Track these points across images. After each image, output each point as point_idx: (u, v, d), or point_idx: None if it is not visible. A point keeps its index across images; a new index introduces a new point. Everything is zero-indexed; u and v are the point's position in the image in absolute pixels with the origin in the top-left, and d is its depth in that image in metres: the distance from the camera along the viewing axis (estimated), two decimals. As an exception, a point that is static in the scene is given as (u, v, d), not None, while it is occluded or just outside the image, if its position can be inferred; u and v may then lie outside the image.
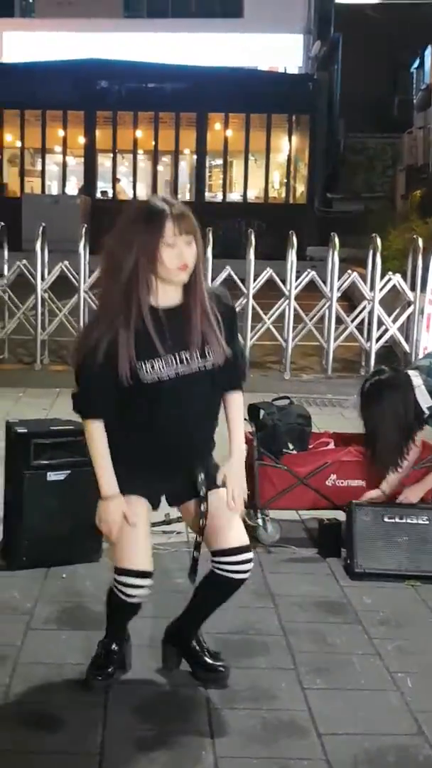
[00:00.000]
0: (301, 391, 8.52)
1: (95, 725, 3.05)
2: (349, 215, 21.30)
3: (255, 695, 3.27)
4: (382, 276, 9.55)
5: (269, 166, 25.54)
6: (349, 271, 9.74)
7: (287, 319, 9.56)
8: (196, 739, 2.94)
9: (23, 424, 4.60)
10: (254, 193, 25.82)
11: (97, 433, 3.10)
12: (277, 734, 3.04)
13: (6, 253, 9.90)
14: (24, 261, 9.75)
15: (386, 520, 4.49)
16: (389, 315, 9.60)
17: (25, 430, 4.49)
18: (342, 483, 4.86)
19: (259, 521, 4.90)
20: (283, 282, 9.56)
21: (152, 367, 3.04)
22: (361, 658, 3.60)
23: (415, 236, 10.07)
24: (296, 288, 9.54)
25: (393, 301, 9.79)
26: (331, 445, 5.24)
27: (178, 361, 3.06)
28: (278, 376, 9.46)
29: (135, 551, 3.11)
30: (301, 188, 26.18)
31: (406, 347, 9.40)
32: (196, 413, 3.14)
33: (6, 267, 9.82)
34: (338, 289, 9.66)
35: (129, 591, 3.13)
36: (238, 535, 3.19)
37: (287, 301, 9.52)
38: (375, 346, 9.55)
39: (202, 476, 3.19)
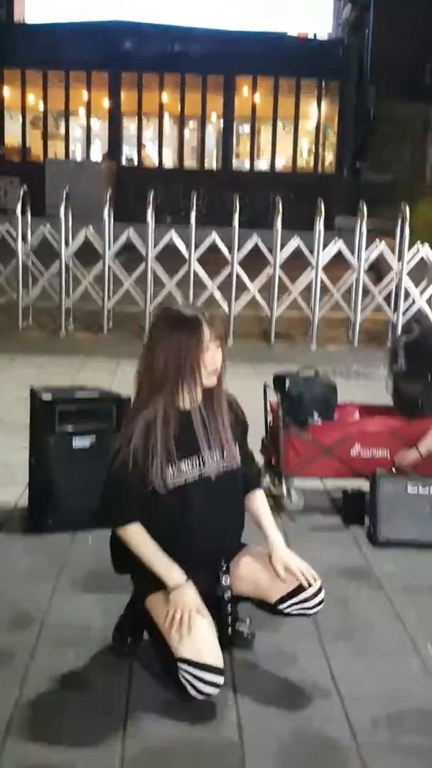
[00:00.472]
0: (327, 362, 8.56)
1: (120, 687, 3.15)
2: (378, 185, 21.21)
3: (278, 658, 3.37)
4: (411, 247, 9.56)
5: (298, 134, 25.43)
6: (377, 242, 9.75)
7: (314, 289, 9.60)
8: (220, 697, 3.04)
9: (48, 391, 4.70)
10: (282, 162, 25.72)
11: (139, 534, 3.15)
12: (299, 695, 3.14)
13: (29, 218, 9.98)
14: (48, 226, 9.83)
15: (409, 490, 4.57)
16: (417, 286, 9.62)
17: (51, 397, 4.59)
18: (366, 453, 4.94)
19: (284, 490, 5.00)
20: (311, 252, 9.58)
21: (179, 469, 3.14)
22: (383, 624, 3.70)
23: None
24: (323, 258, 9.57)
25: (421, 272, 9.80)
26: (356, 416, 5.32)
27: (200, 462, 3.17)
28: (304, 347, 9.52)
29: (211, 646, 3.03)
30: (329, 157, 26.07)
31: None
32: (222, 512, 3.22)
33: (29, 232, 9.91)
34: (366, 259, 9.68)
35: (203, 688, 2.98)
36: (290, 579, 3.17)
37: (314, 272, 9.55)
38: (402, 318, 9.58)
39: (226, 579, 3.24)
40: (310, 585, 3.16)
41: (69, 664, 3.30)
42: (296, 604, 3.16)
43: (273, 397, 5.16)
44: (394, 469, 4.82)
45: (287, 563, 3.19)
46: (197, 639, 3.02)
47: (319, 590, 3.16)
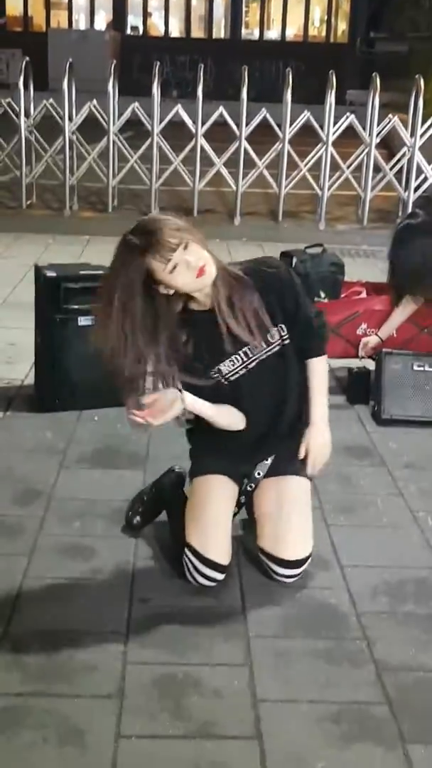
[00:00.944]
0: (335, 241, 8.50)
1: (126, 558, 3.26)
2: (392, 56, 20.58)
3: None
4: (424, 121, 9.36)
5: (309, 1, 24.55)
6: (390, 116, 9.55)
7: (324, 166, 9.44)
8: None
9: (53, 268, 4.69)
10: (293, 31, 24.91)
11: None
12: (301, 566, 3.26)
13: (32, 92, 9.77)
14: (51, 100, 9.63)
15: (415, 368, 4.61)
16: (429, 163, 9.46)
17: (55, 274, 4.59)
18: (373, 332, 4.96)
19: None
20: (321, 127, 9.40)
21: (219, 370, 3.04)
22: (384, 498, 3.80)
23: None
24: (334, 133, 9.39)
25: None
26: (363, 295, 5.33)
27: (242, 357, 3.03)
28: (312, 226, 9.42)
29: (215, 539, 3.06)
30: (342, 26, 25.20)
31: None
32: (274, 398, 3.11)
33: (32, 106, 9.71)
34: (378, 134, 9.49)
35: (200, 579, 3.06)
36: (294, 545, 3.10)
37: (324, 147, 9.39)
38: (413, 196, 9.45)
39: (269, 460, 3.21)
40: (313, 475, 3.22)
41: (76, 534, 3.41)
42: (271, 568, 3.13)
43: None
44: (359, 357, 4.84)
45: (310, 447, 3.16)
46: (207, 532, 3.07)
47: (298, 575, 3.13)
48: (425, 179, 9.53)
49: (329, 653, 2.77)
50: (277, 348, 3.05)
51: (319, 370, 3.15)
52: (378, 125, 9.43)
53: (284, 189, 9.50)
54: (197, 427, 3.19)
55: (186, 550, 3.08)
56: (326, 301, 5.06)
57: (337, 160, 9.43)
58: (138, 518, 3.46)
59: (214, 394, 3.06)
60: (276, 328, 3.03)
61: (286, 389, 3.13)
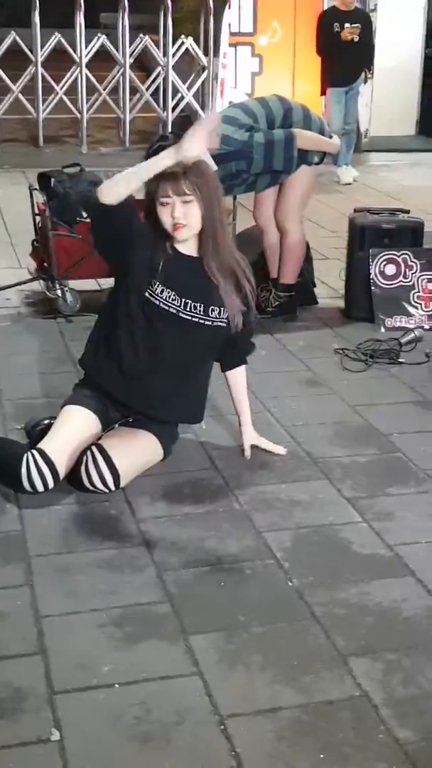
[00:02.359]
0: (99, 164, 8.27)
1: None
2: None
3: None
4: (175, 41, 9.27)
5: None
6: (141, 35, 9.39)
7: (80, 89, 9.22)
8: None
9: None
10: None
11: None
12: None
13: None
14: None
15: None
16: (184, 83, 9.41)
17: None
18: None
19: (58, 292, 4.92)
20: (74, 50, 9.12)
21: (162, 292, 3.11)
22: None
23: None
24: (87, 55, 9.15)
25: (188, 67, 9.57)
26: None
27: (183, 304, 3.13)
28: (75, 150, 9.21)
29: (59, 440, 3.09)
30: None
31: (203, 114, 9.27)
32: (183, 362, 3.19)
33: None
34: (131, 55, 9.33)
35: (34, 476, 3.02)
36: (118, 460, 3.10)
37: (79, 70, 9.13)
38: (171, 115, 9.40)
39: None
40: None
41: None
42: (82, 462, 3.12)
43: (40, 198, 4.98)
44: None
45: (253, 443, 3.41)
46: (54, 435, 3.12)
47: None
48: (182, 98, 9.48)
49: (111, 562, 2.75)
50: (221, 323, 3.19)
51: (244, 378, 3.44)
52: (131, 46, 9.26)
53: (42, 113, 9.20)
54: (94, 358, 3.25)
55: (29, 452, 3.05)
56: (88, 220, 4.92)
57: (93, 82, 9.21)
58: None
59: (143, 312, 3.13)
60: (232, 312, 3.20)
61: (196, 364, 3.26)
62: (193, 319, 3.16)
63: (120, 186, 2.99)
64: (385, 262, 4.92)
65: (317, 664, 2.32)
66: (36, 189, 5.02)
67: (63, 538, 2.87)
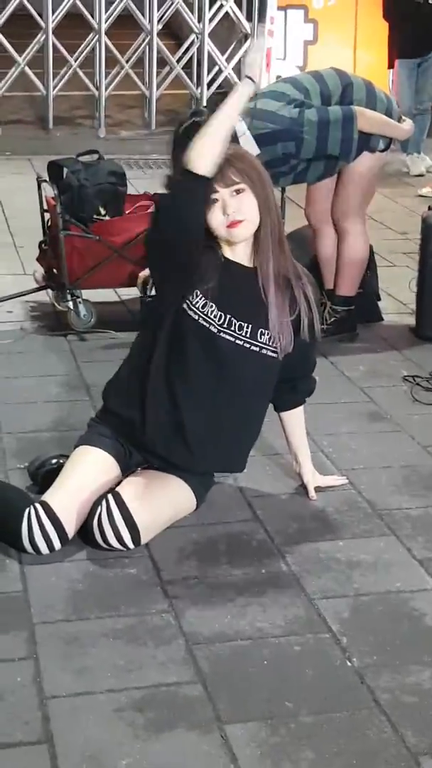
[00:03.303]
0: (119, 151, 8.45)
1: None
2: None
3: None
4: (212, 3, 9.39)
5: None
6: (172, -2, 9.54)
7: (98, 61, 9.35)
8: None
9: None
10: None
11: None
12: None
13: None
14: None
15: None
16: (222, 53, 9.51)
17: None
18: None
19: (70, 304, 4.96)
20: (91, 14, 9.27)
21: (204, 306, 3.11)
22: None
23: None
24: (107, 21, 9.28)
25: (227, 34, 9.68)
26: (152, 209, 5.28)
27: (226, 323, 3.14)
28: (90, 134, 9.35)
29: (67, 494, 3.12)
30: None
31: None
32: (221, 397, 3.18)
33: None
34: (160, 20, 9.47)
35: (37, 538, 3.05)
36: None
37: (97, 38, 9.27)
38: (207, 92, 9.50)
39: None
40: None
41: None
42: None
43: (50, 192, 5.04)
44: None
45: (318, 484, 3.49)
46: (62, 485, 3.15)
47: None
48: (219, 72, 9.57)
49: (130, 632, 2.75)
50: (270, 353, 3.19)
51: (302, 418, 3.48)
52: (159, 10, 9.39)
53: (53, 90, 9.33)
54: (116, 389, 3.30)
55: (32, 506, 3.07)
56: (107, 218, 4.98)
57: (113, 52, 9.34)
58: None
59: (191, 337, 3.13)
60: (279, 333, 3.19)
61: (247, 398, 3.24)
62: (237, 341, 3.15)
63: (214, 142, 3.00)
64: (465, 271, 4.93)
65: (382, 765, 2.31)
66: (45, 180, 5.08)
67: (73, 602, 2.88)
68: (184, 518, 3.28)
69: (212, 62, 9.56)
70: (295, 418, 3.47)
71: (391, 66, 8.45)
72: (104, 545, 3.08)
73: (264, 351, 3.19)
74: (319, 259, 4.97)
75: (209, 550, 3.16)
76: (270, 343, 3.19)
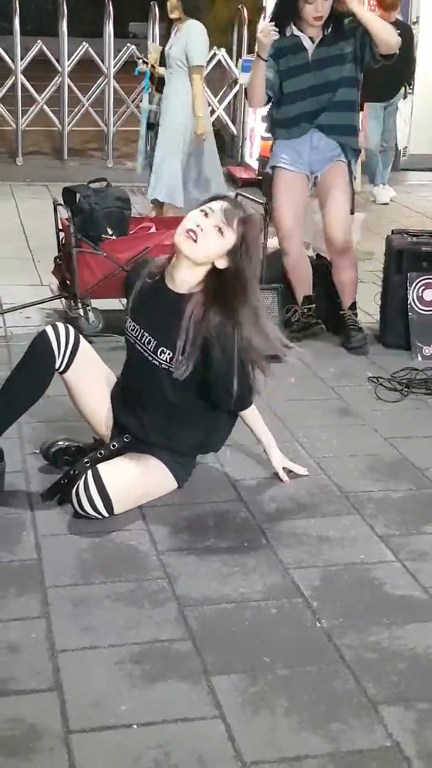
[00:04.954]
0: (125, 179, 8.39)
1: None
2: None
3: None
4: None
5: None
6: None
7: (107, 101, 9.31)
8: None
9: None
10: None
11: None
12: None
13: None
14: None
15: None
16: (215, 95, 9.48)
17: None
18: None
19: (80, 311, 4.95)
20: (102, 60, 9.24)
21: (132, 328, 3.27)
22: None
23: (240, 6, 9.83)
24: (115, 66, 9.25)
25: (219, 79, 9.65)
26: (153, 230, 5.28)
27: (140, 336, 3.23)
28: (100, 164, 9.32)
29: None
30: None
31: (233, 129, 9.36)
32: (147, 401, 3.25)
33: None
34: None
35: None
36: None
37: (106, 81, 9.24)
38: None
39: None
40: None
41: None
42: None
43: (64, 214, 5.03)
44: None
45: (286, 465, 3.47)
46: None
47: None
48: (212, 111, 9.52)
49: (130, 595, 2.75)
50: (161, 366, 3.17)
51: (253, 416, 3.39)
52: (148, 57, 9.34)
53: (67, 126, 9.31)
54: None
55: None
56: (114, 238, 4.97)
57: (120, 94, 9.32)
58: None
59: (127, 345, 3.33)
60: (180, 359, 3.11)
61: (159, 404, 3.24)
62: (144, 353, 3.22)
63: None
64: (423, 287, 4.92)
65: (346, 711, 2.31)
66: (60, 204, 5.07)
67: (80, 569, 2.88)
68: (175, 496, 3.29)
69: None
70: (249, 417, 3.38)
71: (361, 108, 8.43)
72: (81, 512, 3.10)
73: (164, 366, 3.17)
74: (288, 277, 5.00)
75: (199, 526, 3.16)
76: (169, 363, 3.15)
